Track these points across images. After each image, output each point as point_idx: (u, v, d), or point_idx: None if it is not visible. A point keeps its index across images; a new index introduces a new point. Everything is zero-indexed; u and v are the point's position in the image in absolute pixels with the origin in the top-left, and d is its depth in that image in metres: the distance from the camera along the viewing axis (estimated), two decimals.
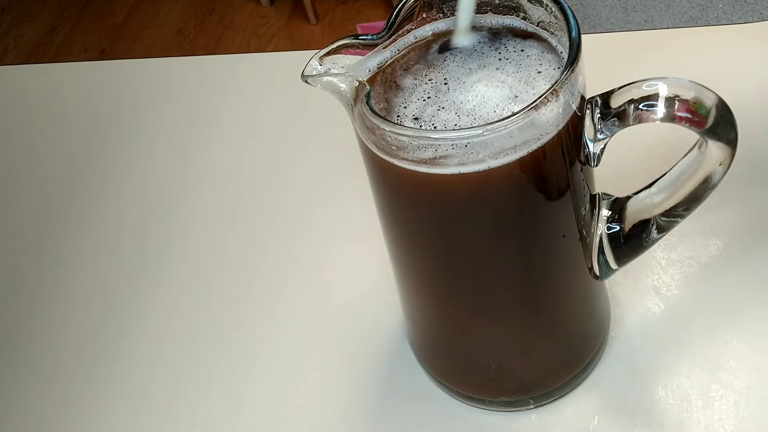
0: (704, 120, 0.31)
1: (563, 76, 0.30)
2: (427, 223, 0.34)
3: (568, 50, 0.31)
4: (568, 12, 0.32)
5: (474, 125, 0.31)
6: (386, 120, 0.30)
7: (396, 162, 0.31)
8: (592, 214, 0.37)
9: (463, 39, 0.34)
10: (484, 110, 0.31)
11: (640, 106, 0.31)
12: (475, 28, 0.34)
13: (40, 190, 0.61)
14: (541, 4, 0.33)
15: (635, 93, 0.31)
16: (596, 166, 0.34)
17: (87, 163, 0.62)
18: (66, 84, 0.69)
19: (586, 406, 0.41)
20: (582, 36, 0.31)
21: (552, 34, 0.34)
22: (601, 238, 0.38)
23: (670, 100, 0.31)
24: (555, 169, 0.32)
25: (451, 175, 0.30)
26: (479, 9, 0.35)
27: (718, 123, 0.31)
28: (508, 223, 0.33)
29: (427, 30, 0.35)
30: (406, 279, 0.40)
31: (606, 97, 0.32)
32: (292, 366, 0.46)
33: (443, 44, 0.34)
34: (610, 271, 0.39)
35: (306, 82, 0.32)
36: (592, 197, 0.36)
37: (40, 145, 0.64)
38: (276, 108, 0.62)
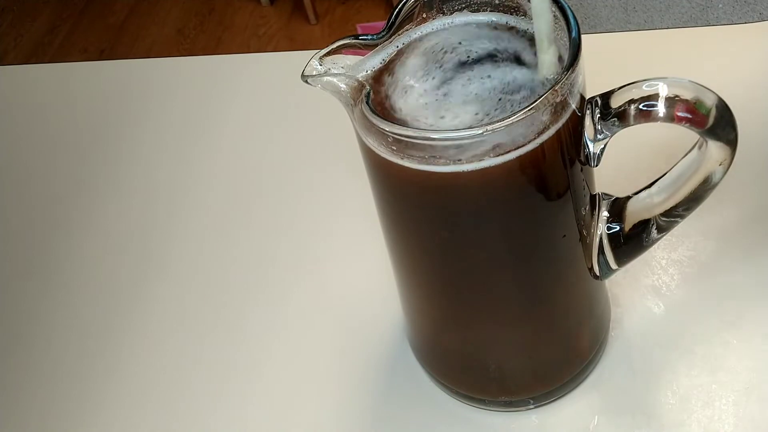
0: (704, 120, 0.31)
1: (563, 76, 0.30)
2: (427, 223, 0.34)
3: (567, 50, 0.31)
4: (568, 12, 0.32)
5: (474, 125, 0.31)
6: (386, 120, 0.30)
7: (396, 161, 0.31)
8: (592, 214, 0.37)
9: (548, 69, 0.31)
10: (482, 109, 0.31)
11: (640, 106, 0.31)
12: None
13: (40, 190, 0.61)
14: None
15: (635, 93, 0.31)
16: (596, 166, 0.34)
17: (87, 163, 0.62)
18: (66, 84, 0.69)
19: (586, 406, 0.41)
20: (582, 36, 0.31)
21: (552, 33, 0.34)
22: (601, 238, 0.38)
23: (670, 100, 0.31)
24: (555, 169, 0.32)
25: (451, 175, 0.30)
26: (478, 8, 0.35)
27: (718, 123, 0.31)
28: (507, 222, 0.33)
29: (424, 29, 0.35)
30: (406, 279, 0.40)
31: (606, 97, 0.32)
32: (291, 366, 0.46)
33: (442, 43, 0.34)
34: (610, 271, 0.39)
35: (306, 82, 0.32)
36: (592, 197, 0.36)
37: (41, 145, 0.64)
38: (276, 108, 0.62)
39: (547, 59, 0.31)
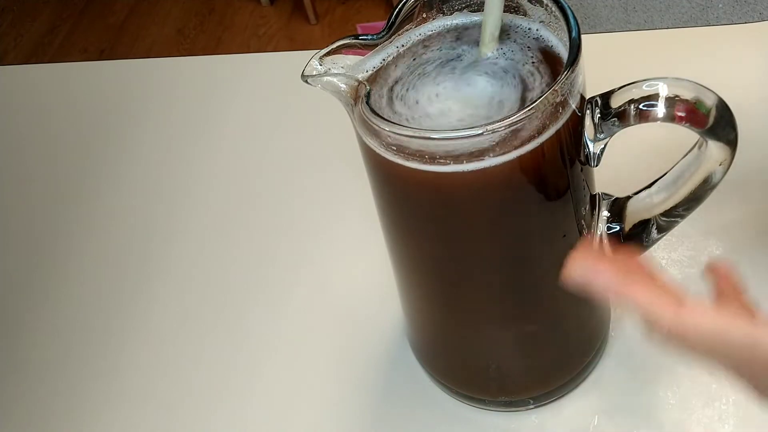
0: (704, 120, 0.31)
1: (563, 76, 0.30)
2: (427, 223, 0.34)
3: (567, 50, 0.31)
4: (568, 12, 0.32)
5: (474, 125, 0.31)
6: (386, 120, 0.30)
7: (396, 161, 0.31)
8: (592, 214, 0.37)
9: (488, 49, 0.33)
10: (482, 110, 0.31)
11: (640, 106, 0.31)
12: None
13: (40, 190, 0.61)
14: (541, 4, 0.33)
15: (635, 93, 0.31)
16: (596, 166, 0.34)
17: (87, 163, 0.62)
18: (66, 84, 0.69)
19: (586, 406, 0.41)
20: (582, 36, 0.31)
21: (552, 33, 0.34)
22: (601, 238, 0.38)
23: (670, 100, 0.31)
24: (555, 169, 0.32)
25: (451, 174, 0.30)
26: (477, 8, 0.35)
27: (718, 123, 0.31)
28: (508, 222, 0.33)
29: (425, 29, 0.35)
30: (406, 279, 0.40)
31: (606, 97, 0.32)
32: (292, 366, 0.46)
33: (443, 42, 0.34)
34: None
35: (306, 82, 0.32)
36: (592, 197, 0.36)
37: (41, 144, 0.64)
38: (276, 108, 0.62)
39: (484, 52, 0.33)
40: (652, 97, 0.31)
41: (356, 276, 0.50)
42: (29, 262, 0.56)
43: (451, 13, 0.35)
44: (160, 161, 0.60)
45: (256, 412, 0.45)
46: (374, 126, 0.30)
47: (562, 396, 0.42)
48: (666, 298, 0.26)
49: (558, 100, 0.30)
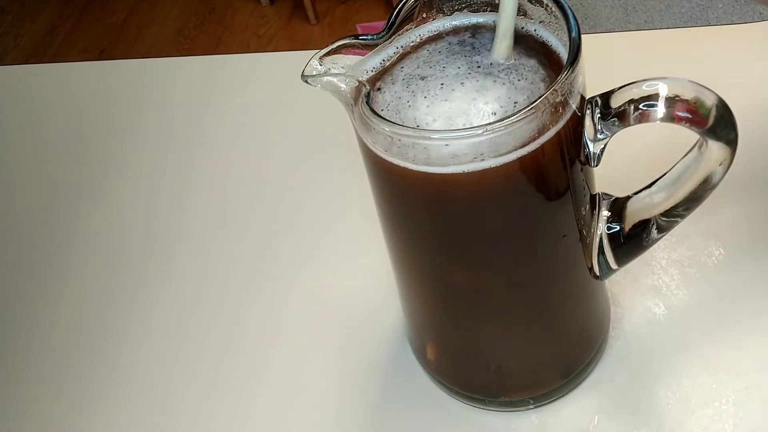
0: (704, 120, 0.31)
1: (563, 76, 0.30)
2: (427, 223, 0.34)
3: (567, 50, 0.31)
4: (568, 12, 0.32)
5: (473, 125, 0.31)
6: (386, 120, 0.30)
7: (395, 161, 0.31)
8: (592, 214, 0.37)
9: (501, 56, 0.33)
10: (483, 110, 0.31)
11: (640, 106, 0.31)
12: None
13: (40, 190, 0.61)
14: (541, 4, 0.33)
15: (635, 93, 0.31)
16: (596, 166, 0.34)
17: (87, 163, 0.62)
18: (66, 84, 0.70)
19: (586, 406, 0.41)
20: (582, 36, 0.31)
21: (552, 33, 0.34)
22: (601, 238, 0.38)
23: (670, 100, 0.31)
24: (555, 169, 0.32)
25: (451, 174, 0.30)
26: (477, 8, 0.35)
27: (718, 123, 0.31)
28: (508, 223, 0.33)
29: (425, 29, 0.35)
30: (406, 279, 0.40)
31: (606, 97, 0.32)
32: (291, 366, 0.46)
33: (443, 43, 0.34)
34: (610, 271, 0.39)
35: (306, 82, 0.32)
36: (592, 197, 0.36)
37: (40, 145, 0.64)
38: (276, 108, 0.62)
39: (497, 54, 0.33)
40: (652, 97, 0.31)
41: (356, 276, 0.50)
42: (28, 262, 0.56)
43: (451, 13, 0.35)
44: (160, 161, 0.60)
45: (256, 411, 0.45)
46: (374, 126, 0.30)
47: (562, 396, 0.42)
48: None
49: (558, 100, 0.30)
